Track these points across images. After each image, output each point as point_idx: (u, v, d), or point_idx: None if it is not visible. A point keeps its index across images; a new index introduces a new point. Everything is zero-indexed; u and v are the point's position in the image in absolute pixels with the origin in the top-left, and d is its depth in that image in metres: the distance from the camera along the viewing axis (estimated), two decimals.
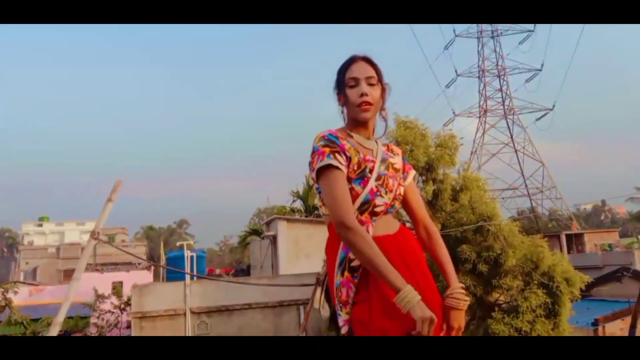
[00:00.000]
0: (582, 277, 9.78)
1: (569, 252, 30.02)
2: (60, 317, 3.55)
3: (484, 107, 52.76)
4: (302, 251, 17.44)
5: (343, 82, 2.12)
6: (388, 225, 2.09)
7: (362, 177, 2.05)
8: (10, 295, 11.60)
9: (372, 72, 2.10)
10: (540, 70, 50.73)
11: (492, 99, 53.09)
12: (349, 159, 2.04)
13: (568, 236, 34.33)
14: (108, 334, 21.06)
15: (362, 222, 2.01)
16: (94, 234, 3.80)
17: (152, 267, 34.06)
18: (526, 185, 50.88)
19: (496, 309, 9.83)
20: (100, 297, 21.69)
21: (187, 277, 13.83)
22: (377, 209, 2.06)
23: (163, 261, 18.24)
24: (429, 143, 11.16)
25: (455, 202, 10.69)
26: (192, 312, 13.50)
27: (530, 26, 50.57)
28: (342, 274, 2.01)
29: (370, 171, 2.06)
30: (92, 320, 21.39)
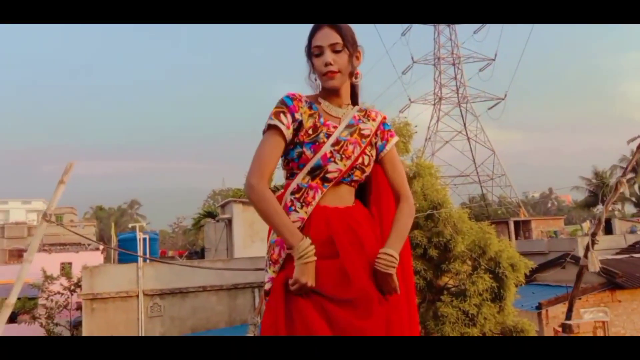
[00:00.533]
0: (526, 263, 10.22)
1: (516, 238, 31.09)
2: (12, 299, 3.52)
3: (439, 94, 53.65)
4: (258, 234, 17.46)
5: (310, 51, 2.06)
6: (341, 197, 2.04)
7: (315, 142, 2.00)
8: None
9: (336, 38, 2.01)
10: (494, 60, 51.87)
11: (446, 86, 54.03)
12: (297, 121, 2.02)
13: (516, 222, 35.49)
14: (57, 316, 20.61)
15: (311, 188, 1.99)
16: (45, 216, 3.74)
17: (103, 249, 33.43)
18: (477, 173, 52.24)
19: (445, 292, 10.18)
20: (48, 278, 21.13)
21: (140, 259, 13.68)
22: (329, 175, 2.00)
23: (114, 243, 17.93)
24: None
25: None
26: (145, 294, 13.39)
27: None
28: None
29: (328, 136, 2.01)
30: (41, 301, 20.86)
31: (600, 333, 13.13)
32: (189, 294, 13.98)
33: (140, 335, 13.08)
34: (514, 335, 10.13)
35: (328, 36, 2.02)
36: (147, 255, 12.59)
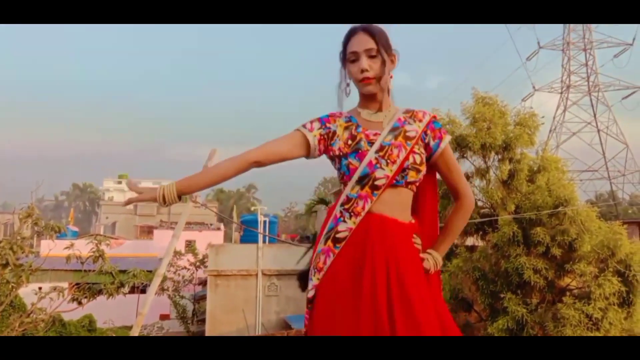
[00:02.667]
0: None
1: None
2: (162, 270, 3.95)
3: (567, 82, 50.20)
4: None
5: (345, 57, 2.07)
6: (393, 203, 2.01)
7: (357, 150, 2.01)
8: (102, 247, 12.46)
9: (371, 44, 2.01)
10: (632, 45, 47.50)
11: (576, 74, 50.40)
12: (328, 129, 2.07)
13: None
14: (183, 289, 22.23)
15: (361, 197, 1.99)
16: (192, 197, 4.14)
17: (223, 229, 35.39)
18: (607, 168, 48.41)
19: (567, 293, 9.70)
20: (177, 254, 22.83)
21: (260, 239, 14.40)
22: (377, 182, 1.98)
23: (238, 223, 18.98)
24: (508, 121, 10.96)
25: (531, 183, 10.50)
26: (264, 274, 14.09)
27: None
28: (325, 242, 2.03)
29: (371, 144, 2.01)
30: (169, 275, 22.64)
31: None
32: None
33: (258, 312, 13.84)
34: None
35: (363, 42, 2.02)
36: (269, 234, 13.25)
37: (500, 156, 10.73)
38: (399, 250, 1.96)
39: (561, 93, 50.70)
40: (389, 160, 2.00)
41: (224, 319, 13.83)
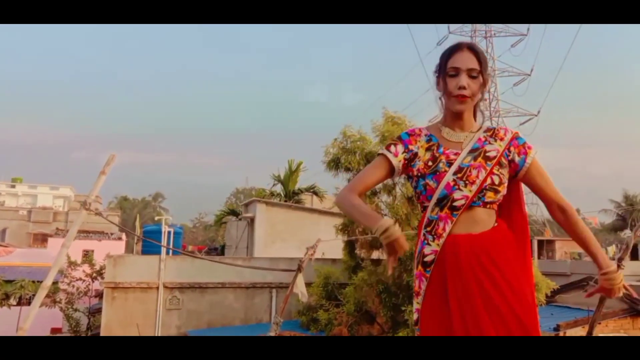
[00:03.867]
0: (548, 284, 10.12)
1: (539, 258, 30.67)
2: (49, 281, 3.64)
3: None
4: (279, 235, 17.58)
5: (444, 69, 2.04)
6: (474, 223, 2.00)
7: (436, 172, 2.01)
8: None
9: (475, 64, 2.01)
10: (529, 75, 51.31)
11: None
12: (411, 152, 2.08)
13: (540, 242, 34.99)
14: (77, 302, 20.98)
15: (441, 219, 2.01)
16: (85, 205, 3.88)
17: (125, 238, 33.89)
18: None
19: None
20: (72, 264, 21.54)
21: (163, 251, 13.89)
22: (456, 203, 1.98)
23: (139, 233, 18.24)
24: None
25: None
26: (165, 287, 13.58)
27: (523, 29, 50.90)
28: (417, 267, 2.09)
29: (450, 164, 2.00)
30: (62, 286, 21.29)
31: None
32: (208, 289, 14.13)
33: (157, 326, 13.28)
34: None
35: (467, 60, 2.02)
36: (172, 247, 12.78)
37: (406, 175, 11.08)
38: (485, 251, 1.98)
39: None
40: (467, 182, 2.00)
41: (120, 333, 13.15)
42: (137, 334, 10.88)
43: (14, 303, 22.51)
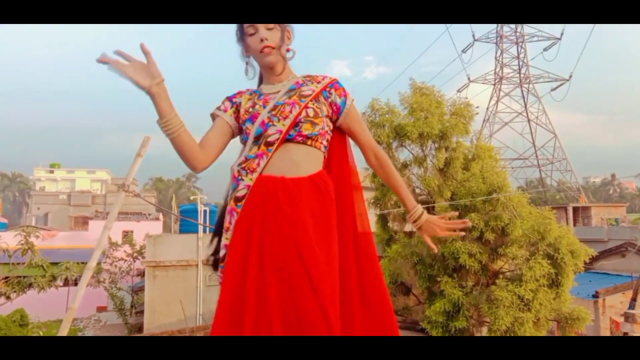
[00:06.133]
0: (586, 250, 9.99)
1: (575, 225, 30.19)
2: (93, 262, 3.77)
3: (500, 74, 52.03)
4: None
5: (243, 32, 2.10)
6: (290, 163, 2.00)
7: (253, 114, 2.06)
8: (32, 239, 11.99)
9: None
10: (560, 39, 49.68)
11: (508, 66, 52.30)
12: (235, 104, 2.12)
13: (575, 209, 34.41)
14: (120, 281, 21.63)
15: (257, 156, 2.00)
16: (124, 187, 3.99)
17: (162, 219, 34.60)
18: (537, 156, 50.64)
19: (500, 276, 10.10)
20: (113, 245, 22.16)
21: (200, 229, 14.15)
22: (270, 138, 2.00)
23: (176, 213, 18.60)
24: (444, 111, 11.23)
25: (466, 170, 10.83)
26: (205, 264, 13.88)
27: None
28: (230, 202, 2.05)
29: (266, 106, 2.05)
30: (105, 266, 21.96)
31: None
32: None
33: (198, 302, 13.64)
34: (569, 322, 9.97)
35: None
36: (209, 225, 13.02)
37: (436, 145, 10.99)
38: (280, 211, 1.93)
39: (494, 84, 52.49)
40: (280, 117, 2.01)
41: (163, 310, 13.54)
42: (180, 311, 11.20)
43: (61, 284, 23.38)
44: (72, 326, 22.93)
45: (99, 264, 22.04)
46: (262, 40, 2.04)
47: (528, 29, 51.18)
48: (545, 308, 9.54)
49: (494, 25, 51.66)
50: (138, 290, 20.92)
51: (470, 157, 11.09)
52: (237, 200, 2.01)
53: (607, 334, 13.89)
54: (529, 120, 51.06)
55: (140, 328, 15.72)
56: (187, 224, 15.72)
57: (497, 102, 51.93)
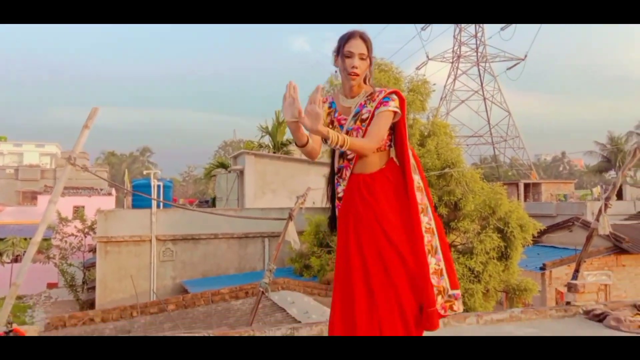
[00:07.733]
0: (535, 224, 10.31)
1: (525, 200, 31.13)
2: (38, 237, 3.65)
3: (458, 52, 52.67)
4: (269, 186, 17.64)
5: (341, 51, 2.63)
6: (365, 165, 2.69)
7: None
8: None
9: (364, 49, 2.62)
10: None
11: (466, 44, 52.96)
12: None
13: (526, 185, 35.46)
14: (70, 257, 21.13)
15: (345, 167, 2.75)
16: (70, 160, 3.84)
17: (115, 194, 33.85)
18: (491, 134, 51.81)
19: (452, 249, 10.33)
20: (63, 220, 21.57)
21: (154, 204, 13.90)
22: (350, 156, 2.72)
23: (128, 188, 18.20)
24: (402, 87, 11.28)
25: (422, 147, 10.94)
26: (158, 239, 13.68)
27: None
28: (337, 201, 2.82)
29: (342, 128, 2.68)
30: (54, 242, 21.38)
31: (602, 295, 13.31)
32: (201, 240, 14.26)
33: (152, 278, 13.47)
34: (517, 293, 10.33)
35: (359, 46, 2.62)
36: (162, 200, 12.78)
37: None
38: (366, 186, 2.66)
39: (452, 63, 53.12)
40: None
41: (115, 286, 13.31)
42: (131, 286, 11.02)
43: (8, 260, 22.66)
44: (22, 303, 22.35)
45: (47, 239, 21.44)
46: (353, 67, 2.60)
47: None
48: (494, 280, 9.85)
49: None
50: (90, 266, 20.51)
51: (426, 133, 11.21)
52: (340, 200, 2.78)
53: (553, 304, 14.47)
54: (484, 99, 52.03)
55: (92, 304, 15.44)
56: (140, 199, 15.42)
57: (454, 80, 52.65)
